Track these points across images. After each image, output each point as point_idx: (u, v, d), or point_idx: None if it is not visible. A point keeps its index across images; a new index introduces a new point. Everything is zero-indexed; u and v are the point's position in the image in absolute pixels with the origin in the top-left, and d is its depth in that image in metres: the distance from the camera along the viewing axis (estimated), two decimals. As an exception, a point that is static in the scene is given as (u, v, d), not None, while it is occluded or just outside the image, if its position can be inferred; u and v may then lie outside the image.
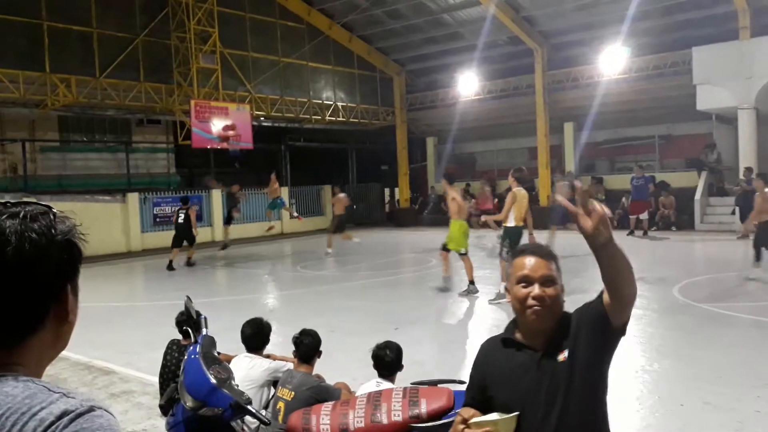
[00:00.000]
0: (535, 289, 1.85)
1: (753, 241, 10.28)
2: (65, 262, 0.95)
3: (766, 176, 10.70)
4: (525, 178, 9.98)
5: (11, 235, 0.90)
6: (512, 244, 8.94)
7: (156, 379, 4.62)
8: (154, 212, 19.15)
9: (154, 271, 15.08)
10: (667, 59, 19.13)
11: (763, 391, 5.06)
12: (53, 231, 0.94)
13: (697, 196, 17.76)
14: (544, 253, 1.93)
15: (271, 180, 17.96)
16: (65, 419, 0.85)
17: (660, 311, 8.32)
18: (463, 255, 9.82)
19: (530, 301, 1.85)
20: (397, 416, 2.82)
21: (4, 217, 0.92)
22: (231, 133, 19.00)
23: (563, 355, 1.85)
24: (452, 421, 1.94)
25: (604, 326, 1.83)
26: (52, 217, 0.96)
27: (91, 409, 0.88)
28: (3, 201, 0.97)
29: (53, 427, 0.84)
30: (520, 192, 9.36)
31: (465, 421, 1.81)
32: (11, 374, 0.92)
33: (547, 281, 1.87)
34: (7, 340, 0.93)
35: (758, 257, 10.02)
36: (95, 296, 10.26)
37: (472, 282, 9.68)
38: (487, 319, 8.56)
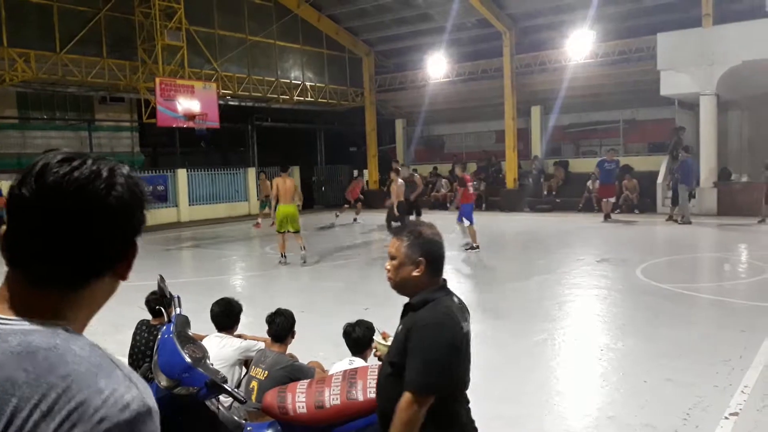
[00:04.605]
0: (387, 263, 2.30)
1: (395, 216, 12.88)
2: (140, 223, 1.02)
3: (399, 170, 14.59)
4: None
5: (121, 180, 0.98)
6: None
7: (125, 360, 4.57)
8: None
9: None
10: (632, 45, 19.39)
11: (721, 367, 5.26)
12: (143, 193, 1.03)
13: (660, 180, 18.14)
14: (399, 234, 2.31)
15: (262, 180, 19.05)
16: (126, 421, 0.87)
17: (623, 291, 8.53)
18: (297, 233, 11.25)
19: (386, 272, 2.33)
20: (373, 393, 2.84)
21: (118, 166, 1.00)
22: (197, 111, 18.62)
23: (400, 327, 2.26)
24: None
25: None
26: (142, 183, 1.04)
27: (149, 412, 0.91)
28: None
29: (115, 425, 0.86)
30: None
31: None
32: (62, 326, 0.94)
33: (392, 257, 2.27)
34: (69, 279, 0.96)
35: (390, 228, 12.78)
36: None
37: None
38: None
